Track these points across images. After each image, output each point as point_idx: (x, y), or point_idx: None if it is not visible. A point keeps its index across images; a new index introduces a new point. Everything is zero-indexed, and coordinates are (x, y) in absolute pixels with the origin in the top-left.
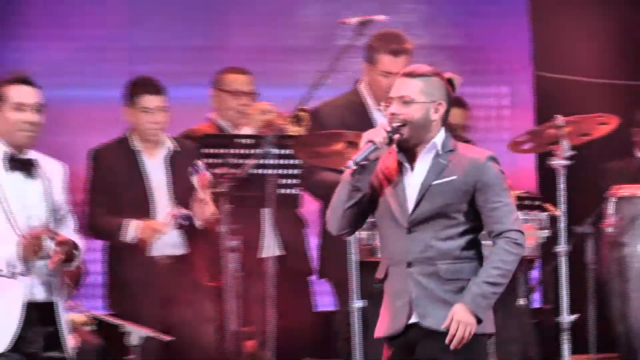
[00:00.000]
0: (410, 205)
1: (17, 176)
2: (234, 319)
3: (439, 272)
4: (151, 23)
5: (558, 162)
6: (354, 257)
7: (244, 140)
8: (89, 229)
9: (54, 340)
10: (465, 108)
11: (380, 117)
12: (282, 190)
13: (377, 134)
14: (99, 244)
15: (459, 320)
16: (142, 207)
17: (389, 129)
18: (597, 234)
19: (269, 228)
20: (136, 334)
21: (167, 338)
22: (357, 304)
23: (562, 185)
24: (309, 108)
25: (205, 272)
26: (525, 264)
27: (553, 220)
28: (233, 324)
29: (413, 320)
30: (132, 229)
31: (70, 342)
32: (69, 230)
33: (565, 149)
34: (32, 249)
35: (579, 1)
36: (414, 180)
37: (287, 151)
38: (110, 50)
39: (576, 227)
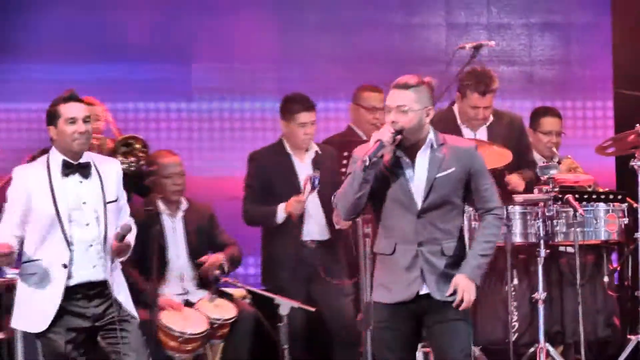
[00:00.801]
0: (418, 196)
1: (74, 179)
2: (367, 293)
3: (442, 250)
4: (301, 43)
5: (638, 164)
6: (467, 240)
7: None
8: (245, 217)
9: (106, 316)
10: (560, 117)
11: (467, 132)
12: None
13: (384, 134)
14: (254, 231)
15: (464, 289)
16: None
17: (392, 131)
18: None
19: None
20: (286, 305)
21: (312, 309)
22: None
23: None
24: None
25: (344, 254)
26: (609, 247)
27: (631, 211)
28: (366, 296)
29: (424, 291)
30: (281, 210)
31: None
32: (126, 216)
33: None
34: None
35: None
36: (417, 174)
37: None
38: (261, 70)
39: None
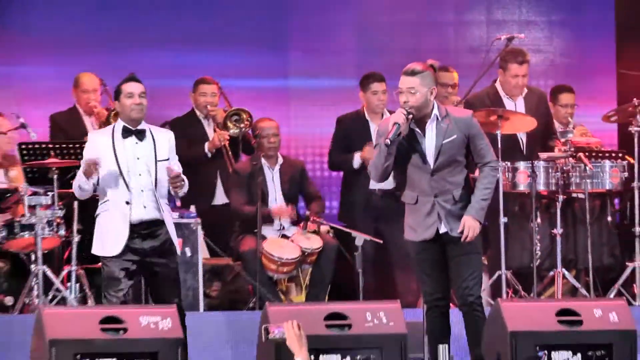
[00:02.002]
0: (431, 159)
1: (131, 140)
2: None
3: (454, 197)
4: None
5: (634, 129)
6: (501, 188)
7: None
8: (329, 162)
9: (160, 249)
10: (574, 93)
11: (508, 103)
12: None
13: (399, 117)
14: (336, 182)
15: (470, 226)
16: None
17: (405, 112)
18: None
19: None
20: (360, 238)
21: (380, 241)
22: (503, 220)
23: (636, 143)
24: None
25: None
26: (613, 194)
27: (630, 166)
28: None
29: (442, 230)
30: (357, 156)
31: (177, 247)
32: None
33: (639, 120)
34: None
35: None
36: (428, 142)
37: None
38: (343, 56)
39: None
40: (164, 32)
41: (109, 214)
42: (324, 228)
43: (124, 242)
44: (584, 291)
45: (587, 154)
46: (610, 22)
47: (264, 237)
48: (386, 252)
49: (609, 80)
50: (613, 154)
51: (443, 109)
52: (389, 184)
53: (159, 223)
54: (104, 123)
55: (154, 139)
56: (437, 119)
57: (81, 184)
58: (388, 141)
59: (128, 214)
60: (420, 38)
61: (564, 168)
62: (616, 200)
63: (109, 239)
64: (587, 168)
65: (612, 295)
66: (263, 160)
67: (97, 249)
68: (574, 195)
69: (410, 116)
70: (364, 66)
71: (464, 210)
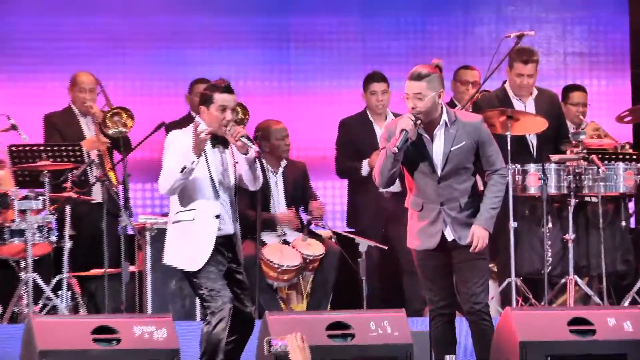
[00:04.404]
0: (438, 166)
1: (219, 150)
2: None
3: (460, 205)
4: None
5: None
6: (510, 191)
7: None
8: (337, 171)
9: (235, 259)
10: (586, 92)
11: (518, 104)
12: None
13: (407, 123)
14: (343, 183)
15: (479, 237)
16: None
17: (413, 118)
18: None
19: None
20: (364, 243)
21: (385, 247)
22: (513, 224)
23: None
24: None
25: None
26: (626, 197)
27: None
28: None
29: (450, 238)
30: (365, 164)
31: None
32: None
33: None
34: None
35: None
36: (436, 148)
37: None
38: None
39: None
40: (172, 30)
41: (193, 225)
42: (326, 234)
43: (207, 257)
44: (597, 299)
45: (599, 155)
46: (625, 20)
47: (263, 243)
48: (393, 257)
49: (625, 80)
50: (627, 156)
51: (452, 114)
52: (397, 186)
53: (236, 236)
54: (101, 125)
55: (231, 148)
56: (446, 124)
57: (187, 166)
58: (396, 149)
59: (216, 227)
60: (427, 37)
61: (576, 170)
62: (630, 204)
63: (191, 251)
64: (600, 170)
65: (626, 304)
66: (265, 163)
67: (173, 260)
68: (587, 198)
69: (419, 122)
70: (368, 67)
71: (471, 217)
